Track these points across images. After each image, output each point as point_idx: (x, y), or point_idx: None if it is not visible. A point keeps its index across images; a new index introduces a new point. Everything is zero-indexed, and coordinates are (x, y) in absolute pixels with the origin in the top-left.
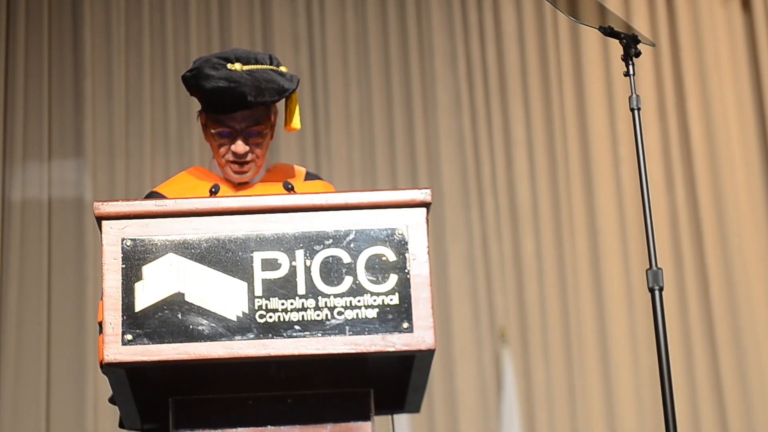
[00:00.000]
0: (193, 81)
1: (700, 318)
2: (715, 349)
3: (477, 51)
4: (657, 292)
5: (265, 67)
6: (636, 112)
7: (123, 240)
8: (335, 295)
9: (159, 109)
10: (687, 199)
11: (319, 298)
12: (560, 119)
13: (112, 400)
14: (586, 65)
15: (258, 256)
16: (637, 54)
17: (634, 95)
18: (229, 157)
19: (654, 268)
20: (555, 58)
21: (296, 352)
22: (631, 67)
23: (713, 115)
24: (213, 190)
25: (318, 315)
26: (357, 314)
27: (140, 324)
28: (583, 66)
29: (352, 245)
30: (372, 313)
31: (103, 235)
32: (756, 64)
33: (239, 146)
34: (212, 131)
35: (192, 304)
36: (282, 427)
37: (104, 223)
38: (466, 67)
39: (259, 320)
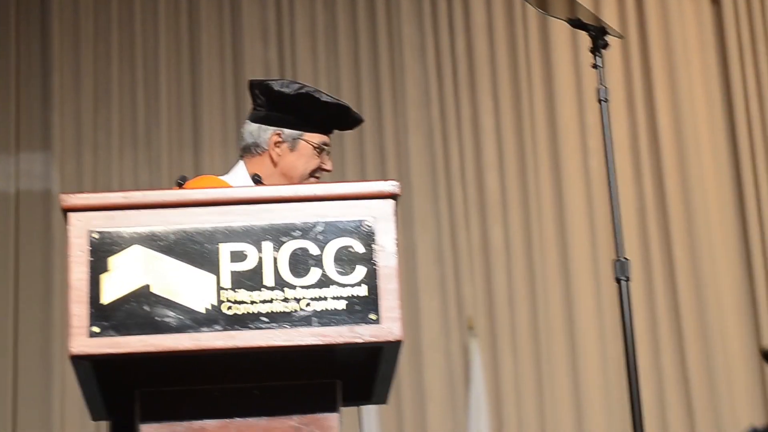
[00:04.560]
0: (310, 97)
1: (666, 308)
2: (682, 339)
3: (446, 43)
4: (623, 283)
5: None
6: (604, 103)
7: (90, 232)
8: (303, 287)
9: (127, 103)
10: (654, 190)
11: (287, 289)
12: (529, 110)
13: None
14: (555, 57)
15: (225, 248)
16: (605, 46)
17: (601, 87)
18: (316, 171)
19: (621, 258)
20: (524, 49)
21: (264, 344)
22: (599, 59)
23: (681, 107)
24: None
25: (286, 307)
26: (325, 306)
27: (107, 316)
28: (552, 58)
29: (319, 237)
30: (340, 305)
31: (69, 227)
32: (724, 57)
33: (329, 162)
34: (315, 143)
35: (159, 296)
36: (249, 419)
37: (71, 215)
38: (435, 59)
39: (226, 312)
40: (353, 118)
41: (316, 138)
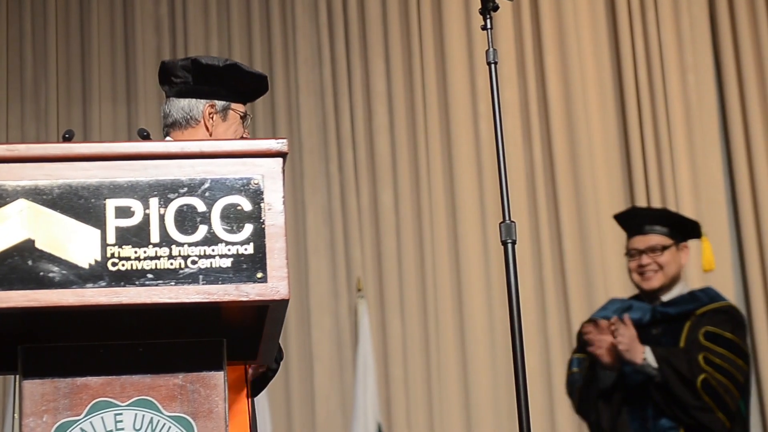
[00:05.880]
0: (238, 68)
1: (553, 271)
2: (568, 302)
3: (338, 2)
4: (509, 245)
5: None
6: (492, 66)
7: None
8: (189, 244)
9: (14, 55)
10: (543, 154)
11: (173, 246)
12: (420, 73)
13: None
14: (447, 18)
15: (111, 204)
16: (495, 8)
17: (491, 49)
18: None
19: (507, 221)
20: (416, 10)
21: (148, 301)
22: (488, 20)
23: (571, 72)
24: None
25: (171, 264)
26: (211, 263)
27: None
28: (443, 19)
29: (207, 194)
30: (226, 263)
31: None
32: (614, 21)
33: (247, 130)
34: (240, 112)
35: (43, 251)
36: (133, 376)
37: None
38: (327, 19)
39: (111, 268)
40: (266, 86)
41: (241, 107)
